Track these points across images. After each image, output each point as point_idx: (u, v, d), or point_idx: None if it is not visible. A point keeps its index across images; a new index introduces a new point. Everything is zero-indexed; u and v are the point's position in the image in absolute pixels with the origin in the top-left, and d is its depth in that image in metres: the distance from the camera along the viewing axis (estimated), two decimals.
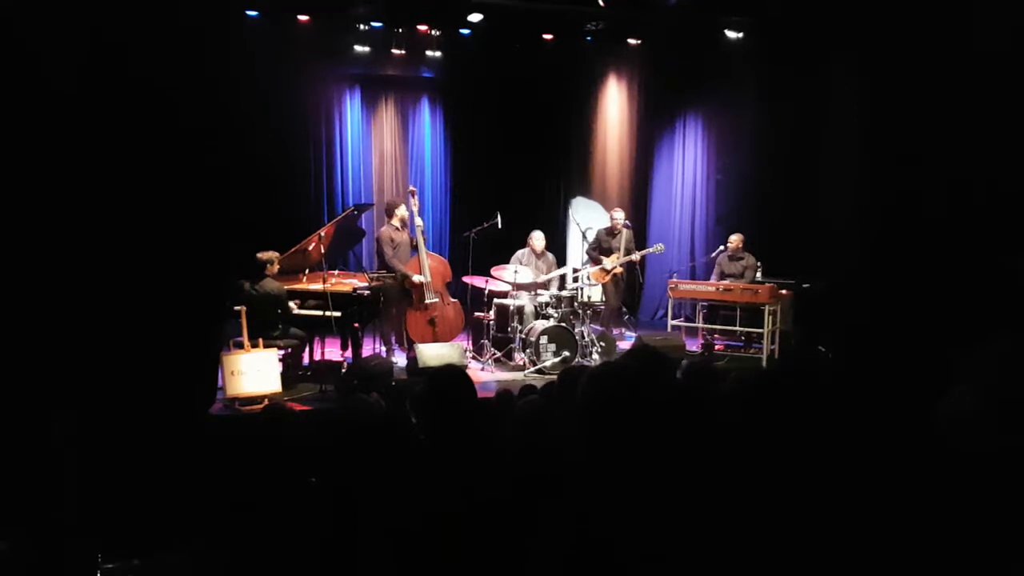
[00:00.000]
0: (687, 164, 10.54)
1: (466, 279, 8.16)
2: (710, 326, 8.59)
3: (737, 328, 8.38)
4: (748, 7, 9.10)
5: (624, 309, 9.36)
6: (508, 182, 9.65)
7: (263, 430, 3.45)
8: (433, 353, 7.12)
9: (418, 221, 7.87)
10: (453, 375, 2.62)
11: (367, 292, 7.10)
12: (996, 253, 4.87)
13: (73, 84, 4.42)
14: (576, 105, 10.55)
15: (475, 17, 9.02)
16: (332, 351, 7.50)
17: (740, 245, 8.62)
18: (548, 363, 7.32)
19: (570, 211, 10.33)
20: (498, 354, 7.74)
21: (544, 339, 7.40)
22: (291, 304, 6.91)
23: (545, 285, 8.14)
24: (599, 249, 8.65)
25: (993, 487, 1.57)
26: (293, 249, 7.23)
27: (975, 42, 5.10)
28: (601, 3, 8.93)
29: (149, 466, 3.84)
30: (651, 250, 8.80)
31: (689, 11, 8.97)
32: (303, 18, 8.77)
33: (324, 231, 7.39)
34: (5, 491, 3.60)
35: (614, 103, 10.58)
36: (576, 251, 9.97)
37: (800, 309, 8.36)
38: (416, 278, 7.62)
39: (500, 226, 8.05)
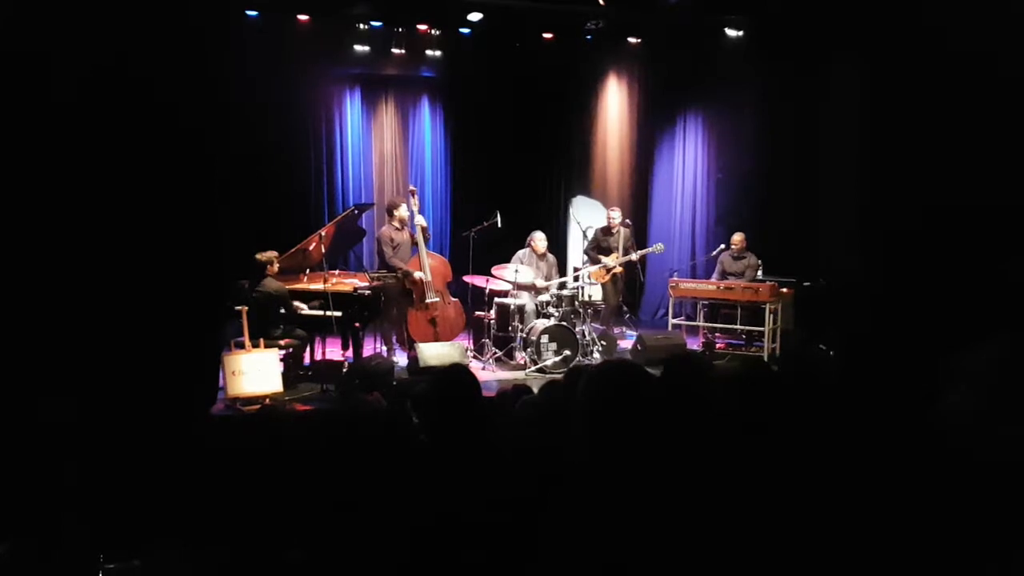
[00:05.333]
0: (687, 163, 10.53)
1: (467, 278, 8.16)
2: (711, 325, 8.59)
3: (738, 327, 8.38)
4: (748, 5, 9.10)
5: (625, 308, 9.37)
6: (508, 181, 9.64)
7: (260, 431, 3.45)
8: (434, 352, 7.12)
9: (421, 220, 7.85)
10: (459, 375, 2.61)
11: (368, 292, 7.10)
12: (996, 254, 4.87)
13: (73, 83, 4.42)
14: (576, 104, 10.53)
15: (475, 16, 9.02)
16: (333, 351, 7.51)
17: (743, 244, 8.62)
18: (549, 362, 7.32)
19: (571, 210, 10.33)
20: (499, 353, 7.74)
21: (545, 338, 7.40)
22: (298, 304, 6.92)
23: (545, 288, 8.12)
24: (597, 248, 8.66)
25: (992, 486, 1.57)
26: (294, 249, 7.23)
27: (974, 47, 5.09)
28: (601, 2, 8.92)
29: (150, 466, 3.84)
30: (651, 250, 8.80)
31: (689, 10, 8.96)
32: (303, 18, 8.78)
33: (324, 231, 7.40)
34: (5, 492, 3.60)
35: (614, 102, 10.57)
36: (577, 250, 9.97)
37: (801, 308, 8.36)
38: (417, 274, 7.62)
39: (500, 225, 8.05)
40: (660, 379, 2.65)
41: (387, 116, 10.10)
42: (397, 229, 7.77)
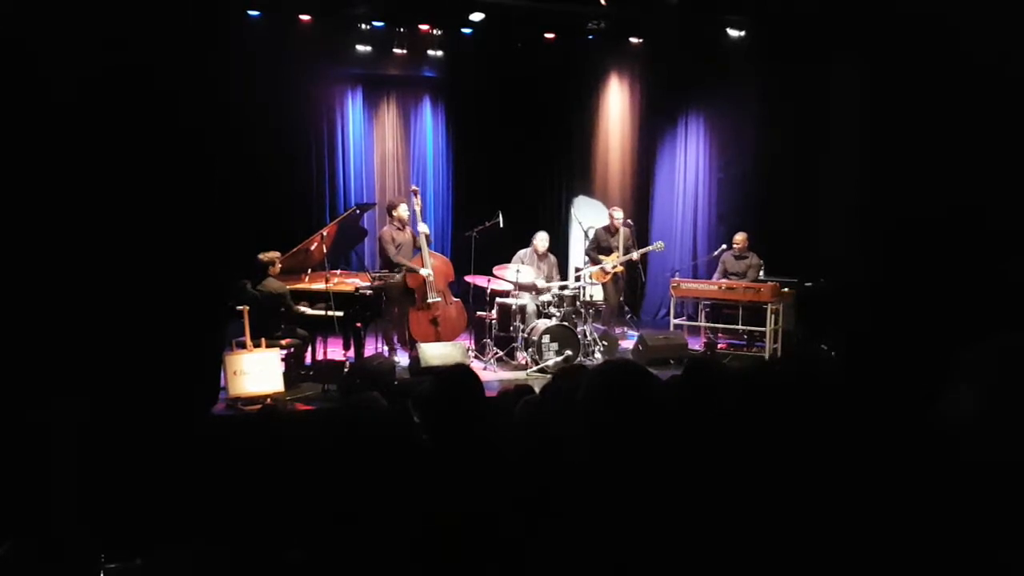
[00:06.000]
0: (689, 162, 10.53)
1: (468, 278, 8.16)
2: (712, 325, 8.59)
3: (739, 327, 8.37)
4: (749, 5, 9.09)
5: (626, 308, 9.36)
6: (510, 181, 9.65)
7: (261, 431, 3.45)
8: (436, 352, 7.12)
9: (424, 228, 7.85)
10: (462, 375, 2.61)
11: (369, 292, 7.11)
12: (997, 254, 4.86)
13: (73, 84, 4.42)
14: (578, 104, 10.53)
15: (477, 16, 9.02)
16: (334, 351, 7.51)
17: (745, 244, 8.61)
18: (550, 362, 7.32)
19: (572, 210, 10.33)
20: (500, 353, 7.74)
21: (546, 338, 7.40)
22: (301, 306, 6.92)
23: (546, 288, 8.12)
24: (599, 248, 8.66)
25: (992, 487, 1.57)
26: (295, 249, 7.24)
27: (975, 46, 5.09)
28: (603, 2, 8.92)
29: (151, 465, 3.84)
30: (652, 248, 8.80)
31: (690, 9, 8.96)
32: (305, 18, 8.78)
33: (326, 231, 7.41)
34: (6, 492, 3.60)
35: (616, 102, 10.57)
36: (578, 250, 9.97)
37: (802, 308, 8.36)
38: (422, 271, 7.63)
39: (502, 225, 8.05)
40: (678, 383, 2.65)
41: (389, 116, 10.10)
42: (398, 229, 7.77)
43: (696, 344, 8.57)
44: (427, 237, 7.84)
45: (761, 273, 8.58)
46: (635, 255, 8.56)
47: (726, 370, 2.59)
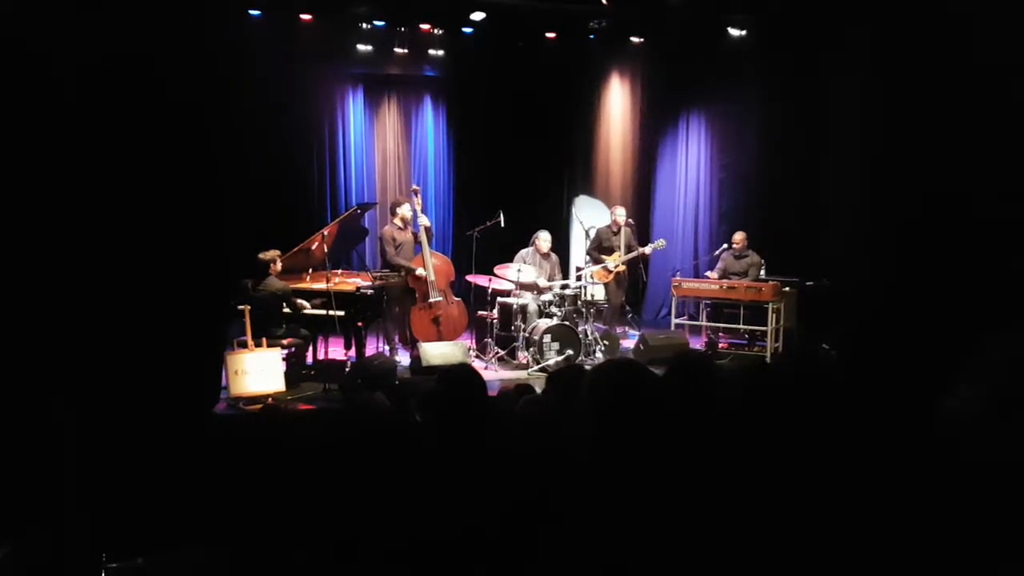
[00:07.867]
0: (690, 162, 10.52)
1: (469, 278, 8.16)
2: (714, 324, 8.58)
3: (741, 326, 8.36)
4: (751, 5, 9.08)
5: (628, 307, 9.35)
6: (511, 181, 9.63)
7: (262, 430, 3.46)
8: (437, 352, 7.13)
9: (425, 220, 7.85)
10: (464, 374, 2.60)
11: (370, 291, 7.11)
12: (1000, 253, 4.86)
13: (74, 83, 4.42)
14: (579, 103, 10.52)
15: (478, 15, 9.02)
16: (336, 350, 7.51)
17: (744, 244, 8.60)
18: (551, 362, 7.31)
19: (573, 209, 10.32)
20: (501, 353, 7.74)
21: (547, 338, 7.40)
22: (302, 303, 6.92)
23: (548, 287, 8.12)
24: (600, 248, 8.66)
25: (995, 486, 1.57)
26: (297, 248, 7.24)
27: (976, 44, 5.08)
28: (604, 1, 8.91)
29: (153, 465, 3.85)
30: (654, 246, 8.78)
31: (692, 9, 8.95)
32: (306, 17, 8.78)
33: (327, 230, 7.41)
34: (8, 491, 3.61)
35: (617, 101, 10.56)
36: (579, 249, 9.97)
37: (804, 307, 8.35)
38: (420, 271, 7.63)
39: (503, 225, 8.05)
40: (665, 378, 2.65)
41: (390, 115, 10.10)
42: (399, 228, 7.77)
43: (697, 343, 8.56)
44: (428, 230, 7.83)
45: (762, 272, 8.57)
46: (647, 249, 8.57)
47: (713, 365, 2.57)
